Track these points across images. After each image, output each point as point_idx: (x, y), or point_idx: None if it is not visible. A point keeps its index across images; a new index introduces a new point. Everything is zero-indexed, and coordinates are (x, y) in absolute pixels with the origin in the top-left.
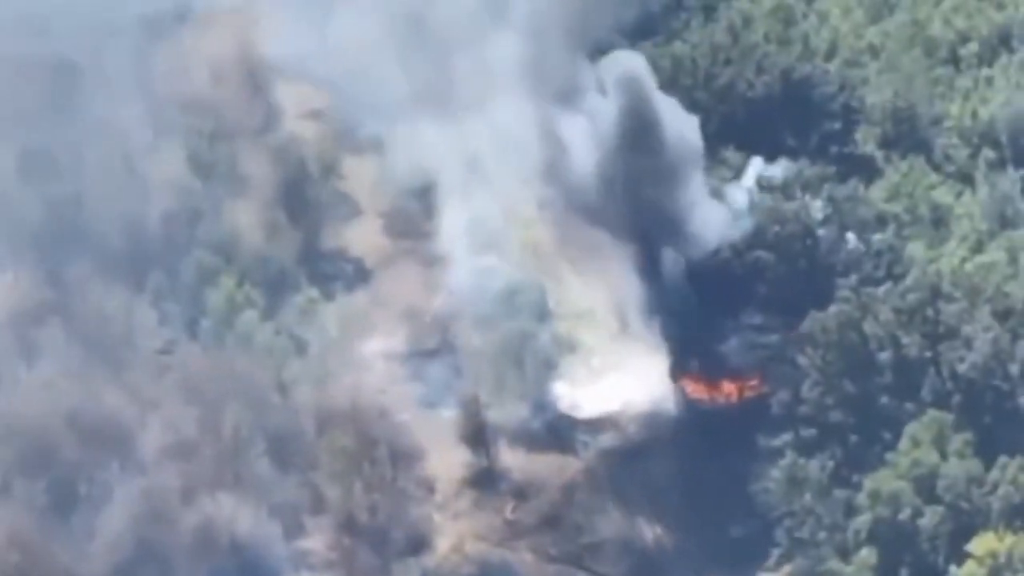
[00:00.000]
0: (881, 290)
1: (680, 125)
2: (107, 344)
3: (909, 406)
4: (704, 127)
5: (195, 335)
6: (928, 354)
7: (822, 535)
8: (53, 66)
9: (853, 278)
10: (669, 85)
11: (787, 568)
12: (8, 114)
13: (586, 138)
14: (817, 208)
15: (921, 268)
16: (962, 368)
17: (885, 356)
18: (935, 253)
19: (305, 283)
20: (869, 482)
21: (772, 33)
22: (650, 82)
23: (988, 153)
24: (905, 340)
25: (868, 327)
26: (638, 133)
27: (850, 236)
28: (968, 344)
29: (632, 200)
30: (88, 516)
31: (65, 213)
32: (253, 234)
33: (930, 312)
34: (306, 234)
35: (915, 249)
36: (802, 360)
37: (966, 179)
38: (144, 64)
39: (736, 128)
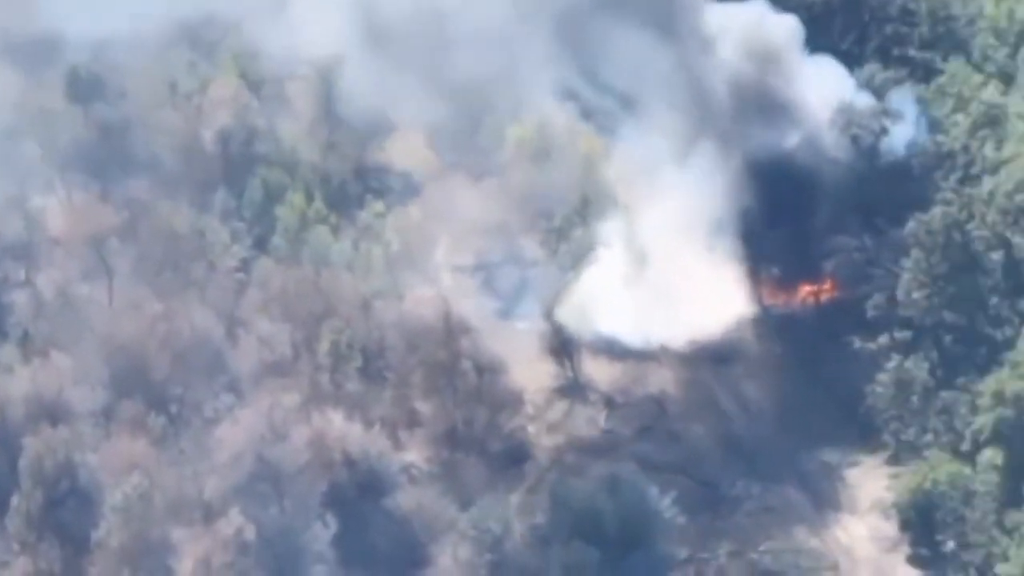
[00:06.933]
0: (984, 190)
1: None
2: (182, 263)
3: (1022, 305)
4: None
5: (267, 252)
6: None
7: (929, 437)
8: None
9: (952, 179)
10: None
11: (895, 470)
12: (51, 36)
13: None
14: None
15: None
16: None
17: (995, 257)
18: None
19: (369, 197)
20: (992, 382)
21: None
22: None
23: None
24: (1016, 240)
25: (974, 228)
26: None
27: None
28: None
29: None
30: (195, 435)
31: (114, 133)
32: (311, 151)
33: None
34: (355, 150)
35: (989, 149)
36: (906, 263)
37: (1007, 79)
38: None
39: None
